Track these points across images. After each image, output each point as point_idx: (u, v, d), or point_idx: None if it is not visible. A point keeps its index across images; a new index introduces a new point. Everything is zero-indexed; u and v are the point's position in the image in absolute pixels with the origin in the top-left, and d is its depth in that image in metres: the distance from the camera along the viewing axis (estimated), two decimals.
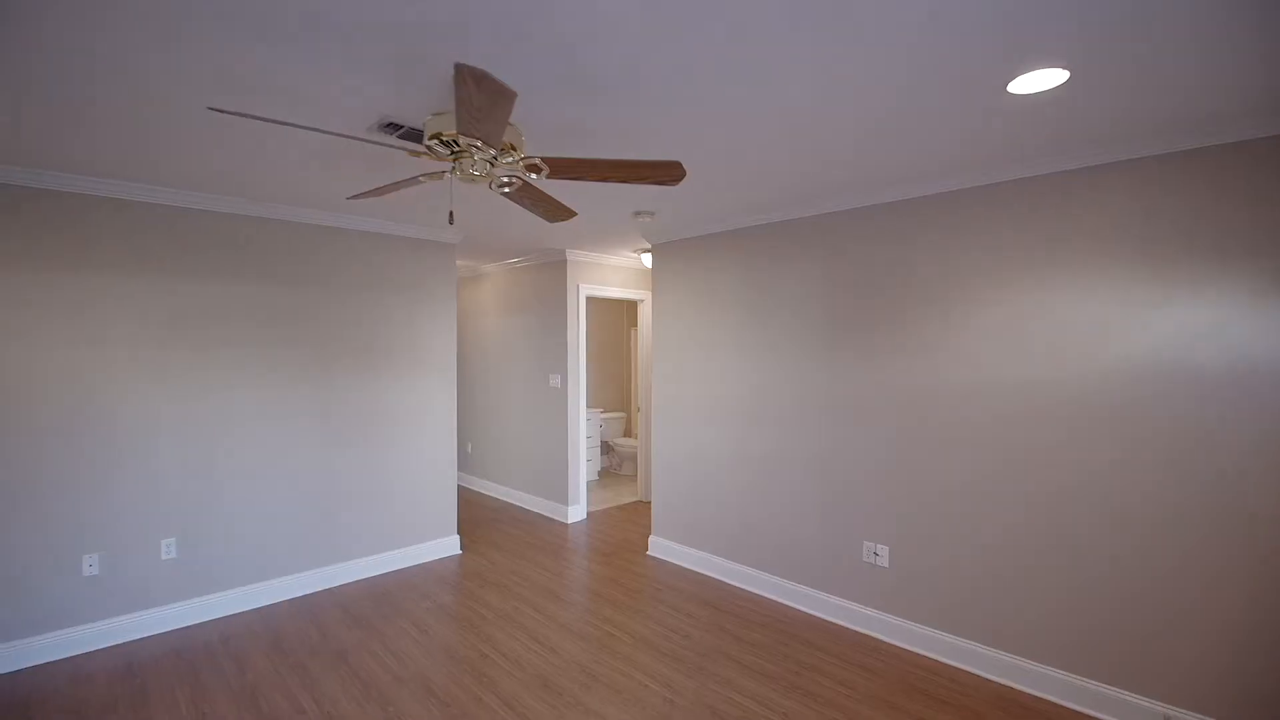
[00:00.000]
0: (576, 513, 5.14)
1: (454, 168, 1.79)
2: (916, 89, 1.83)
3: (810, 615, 3.31)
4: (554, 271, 5.15)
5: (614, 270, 5.42)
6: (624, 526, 4.96)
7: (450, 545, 4.31)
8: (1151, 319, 2.29)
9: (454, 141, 1.69)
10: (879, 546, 3.07)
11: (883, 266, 3.05)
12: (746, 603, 3.48)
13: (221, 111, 1.38)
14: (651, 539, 4.31)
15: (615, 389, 7.48)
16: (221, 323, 3.33)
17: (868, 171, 2.71)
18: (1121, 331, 2.36)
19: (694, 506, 4.03)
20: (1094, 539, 2.43)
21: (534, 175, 1.84)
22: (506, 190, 2.02)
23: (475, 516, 5.27)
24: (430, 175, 1.88)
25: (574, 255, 5.02)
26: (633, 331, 7.31)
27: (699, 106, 1.95)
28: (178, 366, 3.19)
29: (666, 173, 1.79)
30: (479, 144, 1.60)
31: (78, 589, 2.93)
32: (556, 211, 2.29)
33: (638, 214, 3.54)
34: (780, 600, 3.49)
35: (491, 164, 1.81)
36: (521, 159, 1.79)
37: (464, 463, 6.44)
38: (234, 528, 3.37)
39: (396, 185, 1.99)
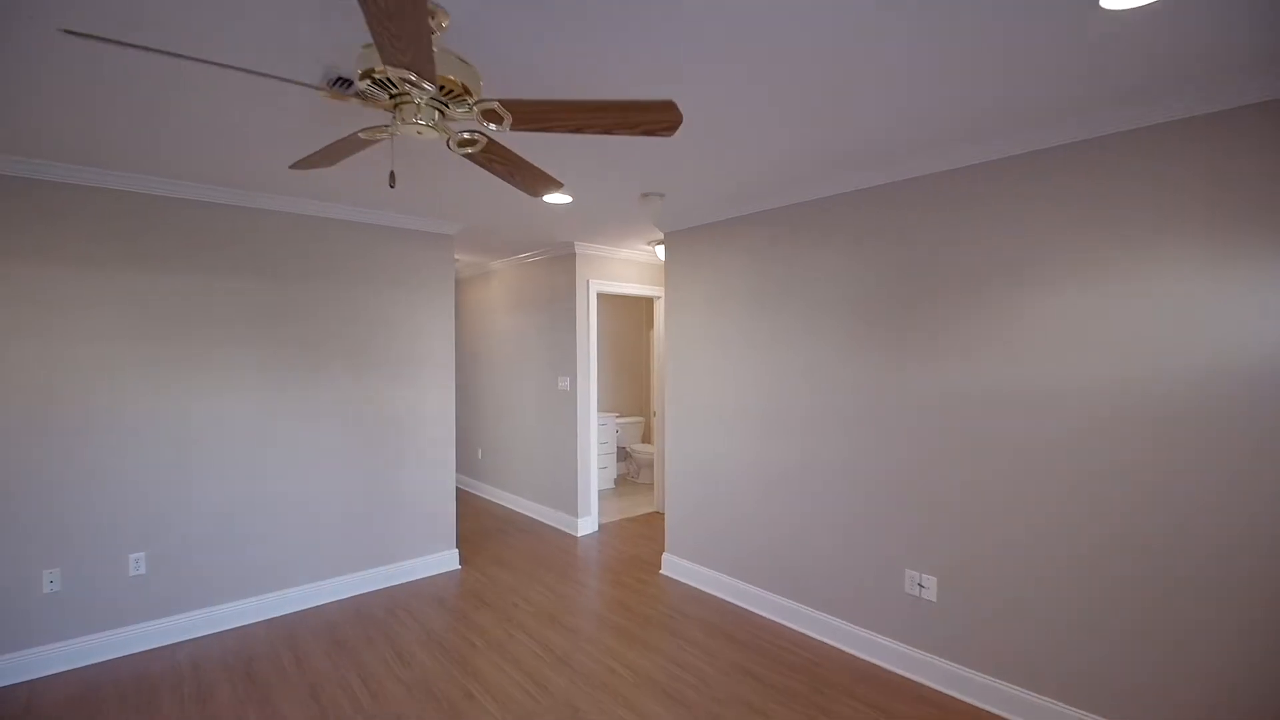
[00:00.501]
0: (587, 525, 4.78)
1: (394, 118, 1.45)
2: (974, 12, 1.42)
3: (844, 653, 2.88)
4: (563, 266, 4.82)
5: (627, 264, 5.06)
6: (637, 541, 4.59)
7: (449, 560, 3.99)
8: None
9: (388, 81, 1.35)
10: (925, 577, 2.63)
11: (927, 250, 2.61)
12: (770, 636, 3.06)
13: (77, 34, 1.06)
14: (665, 557, 3.92)
15: (633, 392, 7.12)
16: (200, 319, 3.07)
17: (908, 133, 2.29)
18: (1245, 320, 1.88)
19: (710, 522, 3.63)
20: (1226, 578, 1.95)
21: (494, 126, 1.49)
22: (470, 151, 1.68)
23: (481, 527, 4.96)
24: (371, 131, 1.54)
25: (583, 248, 4.67)
26: (651, 332, 6.94)
27: (708, 37, 1.58)
28: (152, 367, 2.94)
29: (657, 116, 1.42)
30: (412, 77, 1.25)
31: (36, 607, 2.69)
32: (537, 180, 1.93)
33: (645, 195, 3.17)
34: (809, 634, 3.06)
35: (441, 111, 1.47)
36: (477, 103, 1.44)
37: (474, 469, 6.16)
38: (209, 542, 3.11)
39: (337, 149, 1.67)
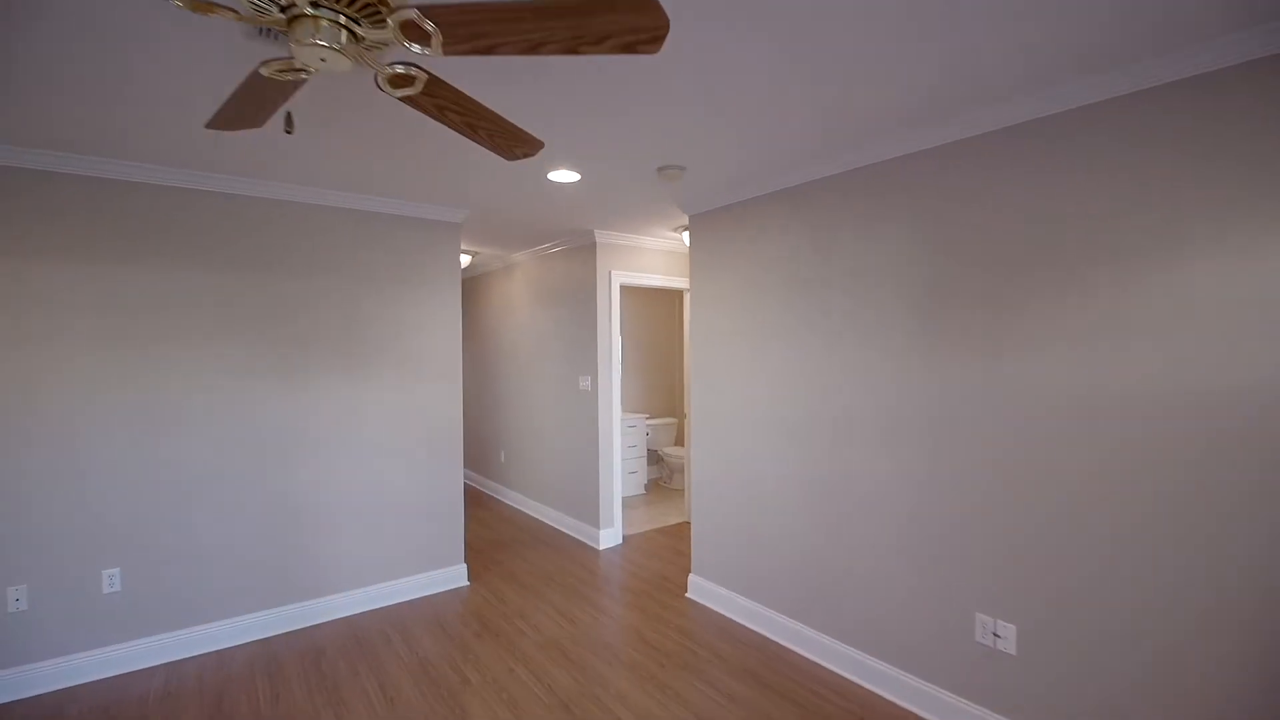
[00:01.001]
0: (609, 537, 4.40)
1: (289, 41, 1.09)
2: None
3: (896, 706, 2.41)
4: (583, 257, 4.45)
5: (653, 254, 4.65)
6: (662, 556, 4.18)
7: (455, 576, 3.69)
8: None
9: None
10: (1001, 624, 2.14)
11: (1016, 221, 2.11)
12: (808, 680, 2.61)
13: None
14: (691, 578, 3.51)
15: (665, 392, 6.71)
16: (184, 316, 2.83)
17: (1013, 62, 1.81)
18: None
19: (740, 541, 3.19)
20: None
21: (420, 49, 1.11)
22: (409, 93, 1.31)
23: (497, 537, 4.65)
24: (273, 66, 1.19)
25: (604, 237, 4.29)
26: (682, 327, 6.51)
27: None
28: (128, 367, 2.71)
29: (633, 21, 1.01)
30: None
31: (0, 627, 2.51)
32: (507, 135, 1.55)
33: (663, 168, 2.76)
34: (857, 681, 2.60)
35: (351, 30, 1.10)
36: (393, 12, 1.07)
37: (497, 473, 5.88)
38: (191, 557, 2.87)
39: (247, 97, 1.33)
